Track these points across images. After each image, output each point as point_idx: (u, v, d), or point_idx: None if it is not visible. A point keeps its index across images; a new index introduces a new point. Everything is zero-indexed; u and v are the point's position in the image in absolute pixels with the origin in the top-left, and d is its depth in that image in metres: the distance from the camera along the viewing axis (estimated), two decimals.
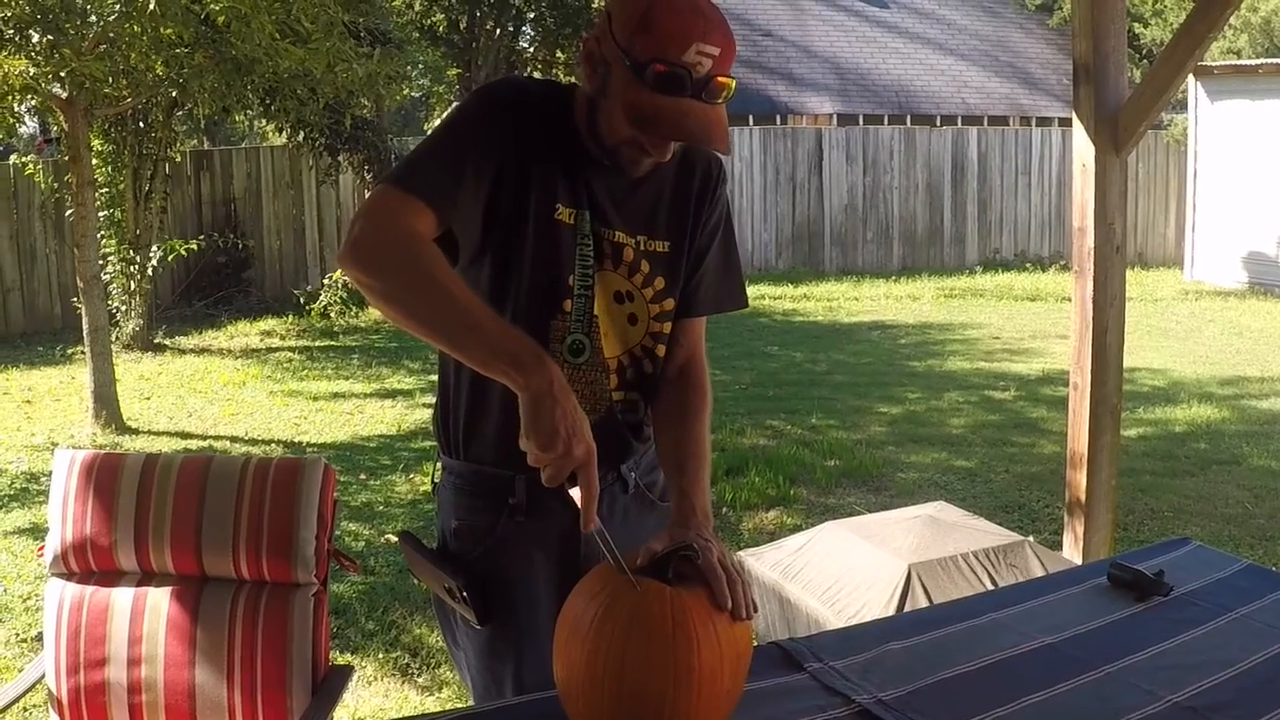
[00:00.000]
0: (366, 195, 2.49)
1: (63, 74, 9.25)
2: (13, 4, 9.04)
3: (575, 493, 2.20)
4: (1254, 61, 20.28)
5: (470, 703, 2.78)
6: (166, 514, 3.34)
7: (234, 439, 10.07)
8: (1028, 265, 21.64)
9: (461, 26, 20.30)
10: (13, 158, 15.95)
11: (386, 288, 2.29)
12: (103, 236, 13.31)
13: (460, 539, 2.72)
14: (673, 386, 2.75)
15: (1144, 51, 24.22)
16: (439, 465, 2.82)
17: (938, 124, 22.61)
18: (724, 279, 2.85)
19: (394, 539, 7.27)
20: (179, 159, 16.24)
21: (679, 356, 2.77)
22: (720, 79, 2.39)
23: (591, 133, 2.52)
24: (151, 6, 8.83)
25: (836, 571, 5.03)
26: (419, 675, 5.57)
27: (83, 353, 10.88)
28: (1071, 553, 5.71)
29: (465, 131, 2.48)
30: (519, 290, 2.54)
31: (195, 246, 15.06)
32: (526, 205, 2.50)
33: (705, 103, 2.39)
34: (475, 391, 2.62)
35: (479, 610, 2.60)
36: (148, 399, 11.72)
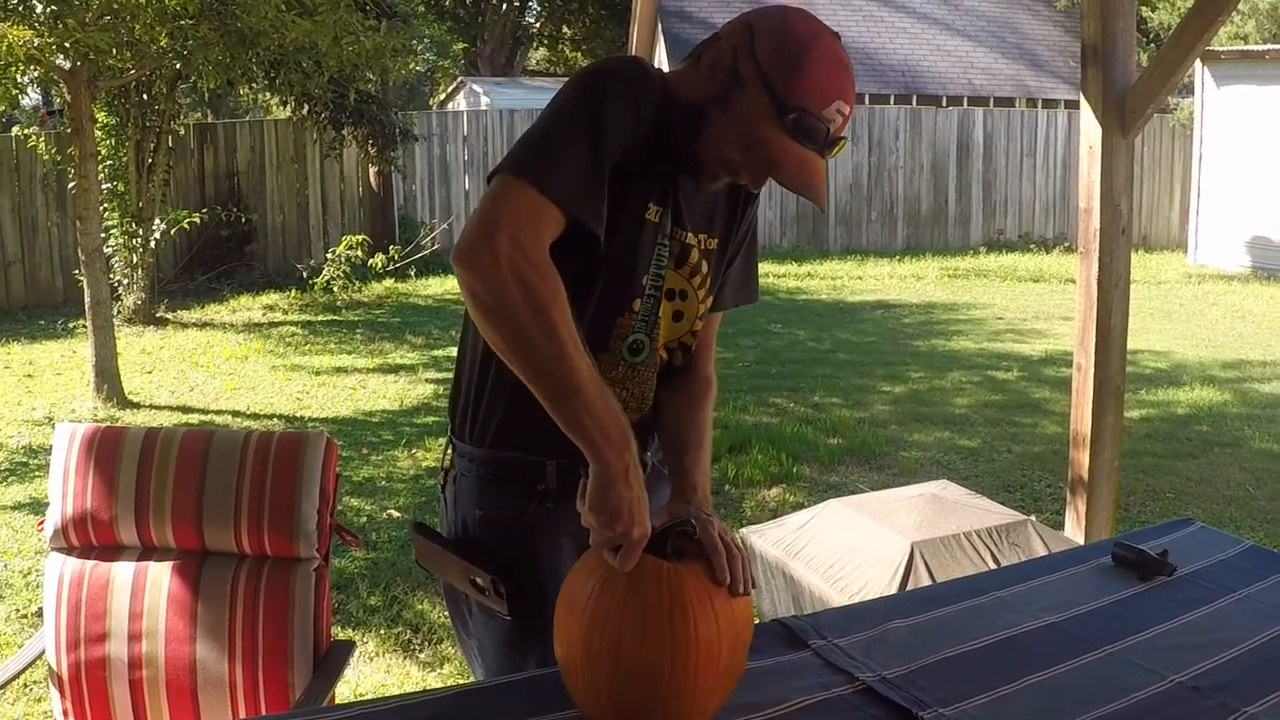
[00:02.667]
0: (491, 184, 2.30)
1: (67, 45, 9.24)
2: None
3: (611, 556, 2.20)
4: (1261, 47, 20.27)
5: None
6: (167, 488, 3.34)
7: (236, 413, 10.08)
8: (1032, 246, 21.64)
9: (468, 1, 20.30)
10: (15, 129, 15.95)
11: (504, 314, 2.18)
12: (105, 209, 13.31)
13: (486, 528, 2.66)
14: (679, 373, 2.74)
15: (1151, 35, 24.20)
16: (452, 454, 2.75)
17: (944, 104, 22.62)
18: (747, 274, 2.86)
19: (396, 514, 7.28)
20: (182, 132, 16.20)
21: (694, 347, 2.76)
22: (843, 138, 2.41)
23: (684, 133, 2.45)
24: None
25: (839, 549, 5.02)
26: (421, 651, 5.57)
27: (84, 326, 10.89)
28: (1074, 532, 5.71)
29: (604, 119, 2.34)
30: (596, 286, 2.49)
31: (198, 219, 15.07)
32: (626, 199, 2.44)
33: (823, 156, 2.39)
34: (502, 376, 2.50)
35: (512, 602, 2.55)
36: (149, 373, 11.72)
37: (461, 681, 2.81)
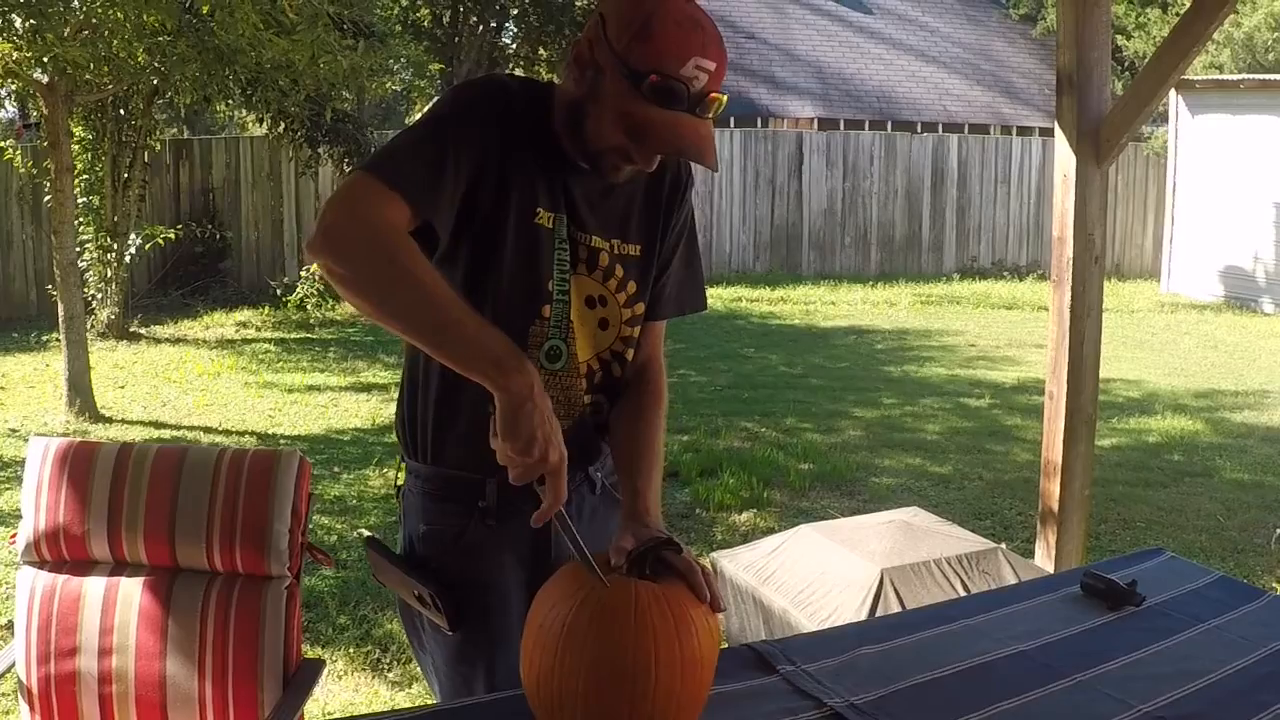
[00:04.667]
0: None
1: (45, 59, 9.23)
2: None
3: (541, 492, 2.20)
4: (1235, 76, 20.38)
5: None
6: (140, 503, 3.33)
7: (207, 429, 10.06)
8: (1005, 274, 21.72)
9: (445, 22, 20.32)
10: None
11: (360, 279, 2.24)
12: (80, 224, 13.31)
13: (429, 544, 2.68)
14: (629, 387, 2.74)
15: (1126, 64, 24.31)
16: (401, 469, 2.78)
17: (918, 131, 22.67)
18: (687, 281, 2.85)
19: (367, 533, 7.26)
20: (158, 147, 16.21)
21: (638, 359, 2.76)
22: (713, 94, 2.39)
23: (574, 136, 2.48)
24: None
25: (810, 574, 5.03)
26: (390, 670, 5.56)
27: (58, 340, 10.87)
28: (1044, 561, 5.72)
29: (447, 127, 2.42)
30: (497, 294, 2.50)
31: (173, 235, 15.06)
32: (506, 207, 2.47)
33: (698, 117, 2.38)
34: (444, 395, 2.58)
35: (451, 617, 2.57)
36: (122, 388, 11.70)
37: (430, 702, 2.81)
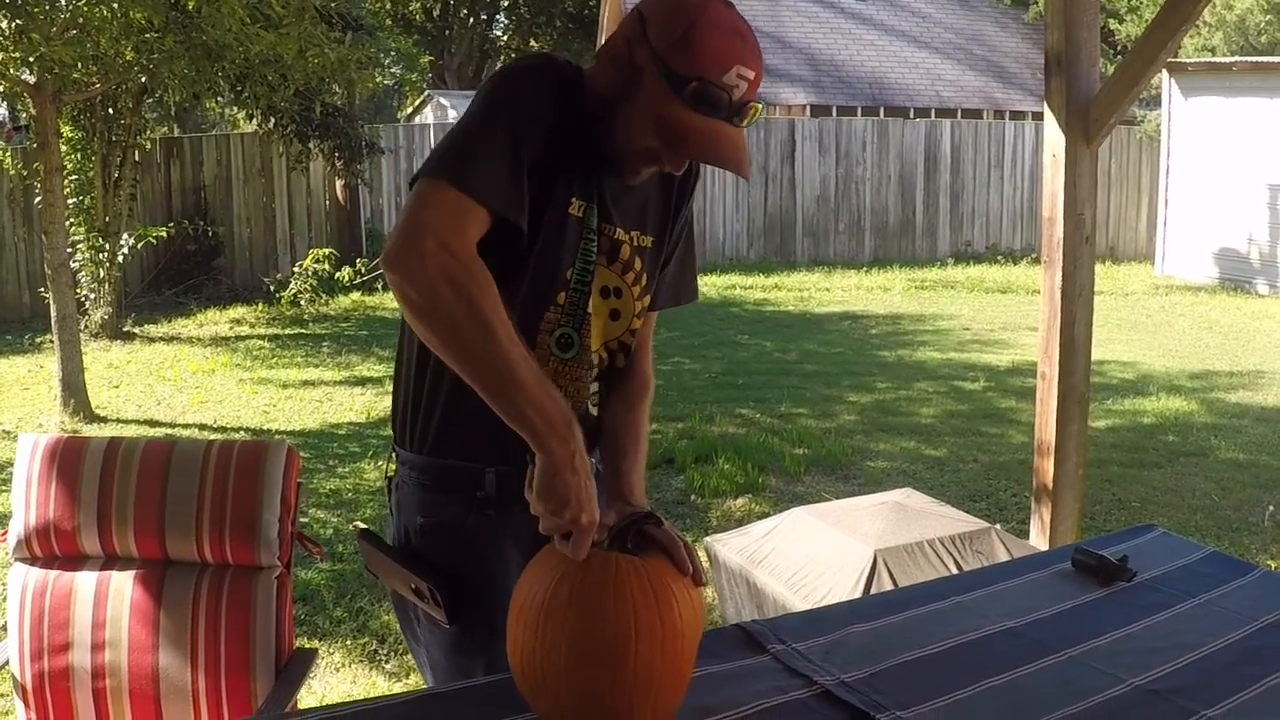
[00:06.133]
0: (413, 188, 2.32)
1: (31, 59, 9.21)
2: None
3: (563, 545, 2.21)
4: (1228, 59, 20.37)
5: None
6: (130, 497, 3.33)
7: (202, 426, 10.05)
8: (999, 258, 21.72)
9: (435, 15, 20.30)
10: None
11: (435, 311, 2.21)
12: (71, 224, 13.28)
13: (427, 536, 2.66)
14: (619, 373, 2.75)
15: (1118, 47, 24.29)
16: (394, 461, 2.77)
17: (911, 116, 22.67)
18: (683, 272, 2.86)
19: (362, 526, 7.25)
20: (148, 146, 16.16)
21: (631, 346, 2.77)
22: (752, 104, 2.38)
23: (602, 130, 2.46)
24: None
25: (803, 557, 5.02)
26: (386, 661, 5.56)
27: (51, 341, 10.86)
28: (1038, 540, 5.73)
29: (515, 119, 2.37)
30: (522, 280, 2.48)
31: (165, 233, 15.06)
32: (550, 194, 2.44)
33: (735, 126, 2.38)
34: (454, 390, 2.51)
35: (449, 610, 2.56)
36: (116, 387, 11.69)
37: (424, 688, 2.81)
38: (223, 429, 9.97)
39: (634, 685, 2.08)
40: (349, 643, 5.75)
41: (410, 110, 30.90)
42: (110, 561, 3.40)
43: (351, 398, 11.13)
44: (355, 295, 17.16)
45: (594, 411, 2.70)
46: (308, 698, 4.83)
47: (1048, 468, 5.70)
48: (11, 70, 9.46)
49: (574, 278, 2.54)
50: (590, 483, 2.21)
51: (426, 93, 29.66)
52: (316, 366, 12.74)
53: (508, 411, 2.22)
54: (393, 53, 24.57)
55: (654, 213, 2.69)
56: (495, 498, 2.59)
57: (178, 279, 17.32)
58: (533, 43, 20.55)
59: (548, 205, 2.44)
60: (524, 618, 2.13)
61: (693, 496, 7.99)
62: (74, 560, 3.42)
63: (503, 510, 2.59)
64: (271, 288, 16.51)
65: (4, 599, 3.85)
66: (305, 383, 11.87)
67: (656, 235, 2.70)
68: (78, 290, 13.07)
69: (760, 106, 2.42)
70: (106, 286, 14.13)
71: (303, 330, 15.10)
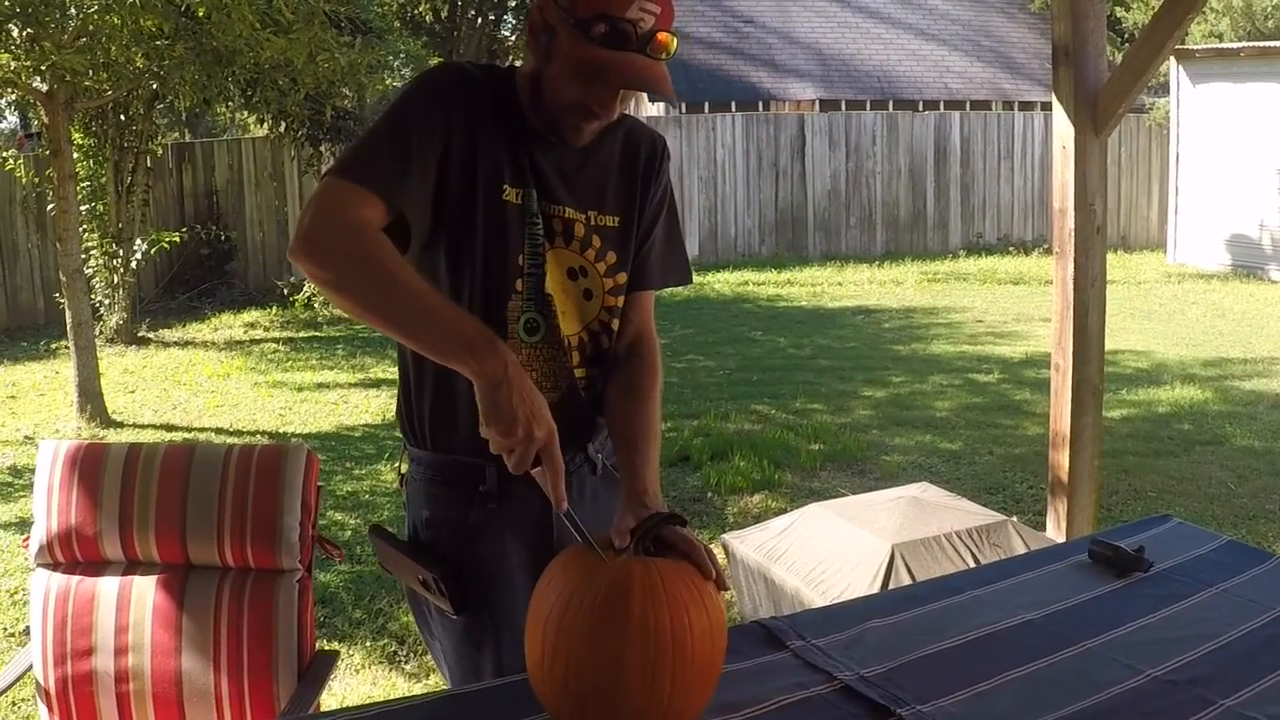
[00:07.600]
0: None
1: (43, 68, 9.25)
2: None
3: (540, 474, 2.23)
4: (1235, 45, 20.32)
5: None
6: (151, 502, 3.35)
7: (219, 430, 10.08)
8: (1011, 249, 21.66)
9: (443, 16, 20.29)
10: None
11: (339, 279, 2.31)
12: (85, 230, 13.32)
13: (433, 529, 2.72)
14: (624, 363, 2.77)
15: (1125, 36, 24.29)
16: (405, 457, 2.83)
17: (920, 109, 22.64)
18: (669, 253, 2.88)
19: (374, 523, 7.28)
20: (160, 152, 16.22)
21: (629, 333, 2.79)
22: (662, 35, 2.45)
23: (536, 106, 2.54)
24: None
25: (820, 553, 5.03)
26: (406, 662, 5.58)
27: (66, 347, 10.89)
28: (1055, 533, 5.73)
29: (410, 118, 2.47)
30: (474, 274, 2.55)
31: (178, 239, 15.08)
32: (475, 188, 2.51)
33: (650, 58, 2.44)
34: (439, 381, 2.62)
35: (455, 600, 2.60)
36: (132, 392, 11.71)
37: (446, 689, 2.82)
38: (239, 433, 10.00)
39: (673, 691, 2.08)
40: (368, 644, 5.77)
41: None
42: (132, 566, 3.43)
43: (366, 400, 11.15)
44: None
45: (583, 395, 2.72)
46: (328, 700, 4.85)
47: (1063, 459, 5.70)
48: (24, 79, 9.49)
49: (525, 262, 2.58)
50: (535, 393, 2.22)
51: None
52: (331, 369, 12.76)
53: (430, 347, 2.31)
54: (402, 55, 24.54)
55: (616, 192, 2.73)
56: (496, 491, 2.63)
57: (191, 284, 17.32)
58: None
59: (478, 197, 2.52)
60: (548, 633, 2.11)
61: (709, 493, 8.00)
62: (96, 565, 3.44)
63: (505, 503, 2.64)
64: (285, 291, 16.52)
65: (27, 604, 3.86)
66: (320, 385, 11.89)
67: (622, 214, 2.74)
68: (92, 296, 13.10)
69: (675, 40, 2.49)
70: (121, 292, 14.16)
71: (317, 333, 15.12)
